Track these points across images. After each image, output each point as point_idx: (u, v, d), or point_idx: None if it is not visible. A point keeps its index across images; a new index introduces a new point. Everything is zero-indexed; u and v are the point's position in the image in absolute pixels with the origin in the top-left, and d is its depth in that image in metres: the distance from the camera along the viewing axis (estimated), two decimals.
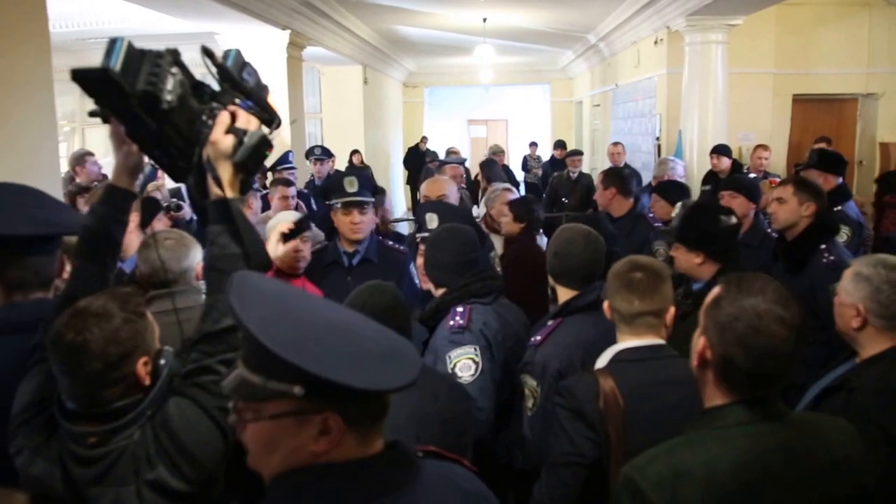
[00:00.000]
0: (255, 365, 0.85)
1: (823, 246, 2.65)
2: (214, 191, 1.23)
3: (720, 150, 5.49)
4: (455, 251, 2.17)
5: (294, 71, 6.60)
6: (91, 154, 5.52)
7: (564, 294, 2.13)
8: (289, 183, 4.49)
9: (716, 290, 1.21)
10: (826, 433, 1.21)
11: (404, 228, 5.08)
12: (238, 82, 1.23)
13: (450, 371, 1.95)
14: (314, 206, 5.08)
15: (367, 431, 0.89)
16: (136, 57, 1.10)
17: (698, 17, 5.85)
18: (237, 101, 1.23)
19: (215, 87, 1.24)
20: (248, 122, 1.22)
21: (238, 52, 1.25)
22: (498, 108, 16.27)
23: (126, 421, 1.23)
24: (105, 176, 5.54)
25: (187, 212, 3.94)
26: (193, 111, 1.17)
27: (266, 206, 4.44)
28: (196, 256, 2.02)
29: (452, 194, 3.36)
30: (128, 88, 1.09)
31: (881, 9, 6.97)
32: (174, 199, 3.96)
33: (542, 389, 1.91)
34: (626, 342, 1.70)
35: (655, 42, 7.18)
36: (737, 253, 2.45)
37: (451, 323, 2.01)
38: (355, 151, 9.21)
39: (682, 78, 6.35)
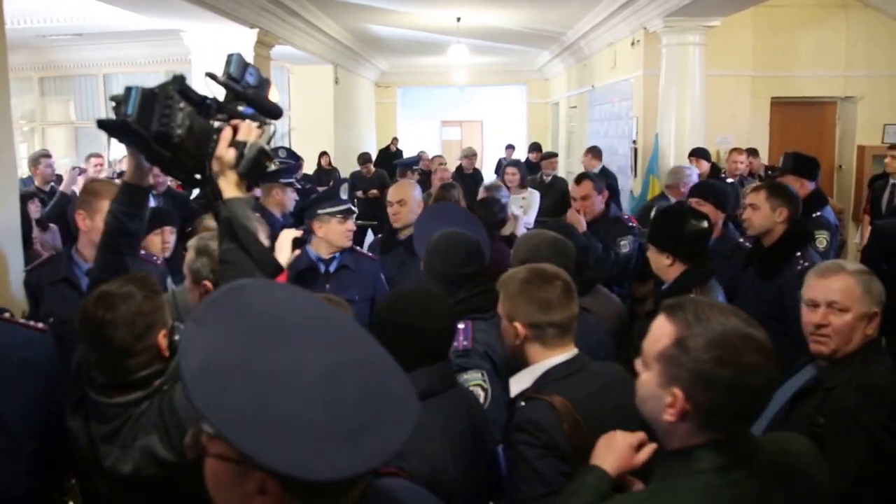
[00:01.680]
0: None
1: (799, 253, 2.71)
2: (224, 194, 1.40)
3: (699, 154, 5.58)
4: (454, 261, 2.12)
5: (261, 70, 6.54)
6: (47, 156, 5.44)
7: None
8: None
9: (666, 328, 1.09)
10: (796, 462, 1.17)
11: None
12: (240, 92, 1.40)
13: None
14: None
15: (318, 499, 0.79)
16: (149, 101, 1.30)
17: (675, 18, 5.95)
18: (240, 108, 1.41)
19: (219, 96, 1.42)
20: (249, 133, 1.38)
21: (239, 56, 1.42)
22: (473, 109, 16.34)
23: (152, 390, 1.44)
24: (60, 178, 5.47)
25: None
26: (202, 131, 1.36)
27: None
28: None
29: (416, 197, 3.38)
30: (144, 132, 1.30)
31: (858, 11, 7.16)
32: None
33: (496, 387, 1.92)
34: (551, 359, 1.61)
35: (632, 43, 7.28)
36: (708, 258, 2.50)
37: (455, 344, 1.88)
38: (323, 153, 9.17)
39: (659, 80, 6.44)
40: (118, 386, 1.44)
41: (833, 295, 1.72)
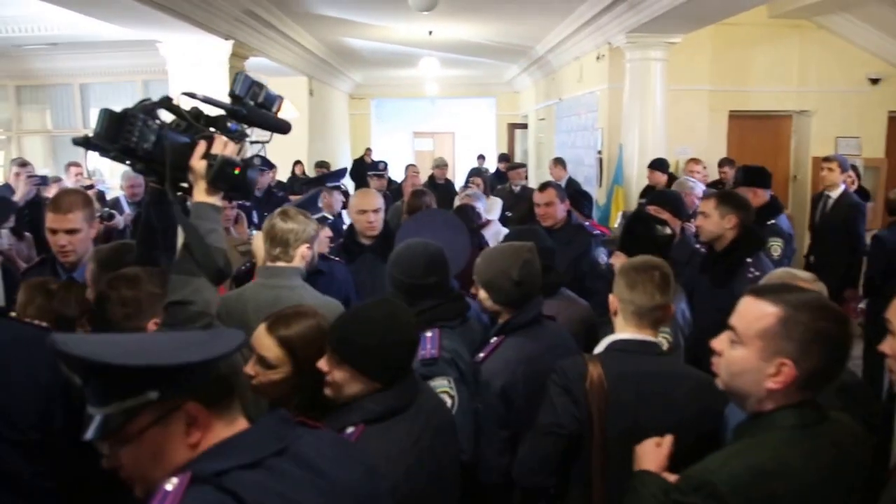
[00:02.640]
0: (105, 398, 0.96)
1: (749, 260, 2.75)
2: (194, 198, 1.52)
3: (655, 166, 5.70)
4: (415, 272, 2.06)
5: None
6: (25, 165, 5.34)
7: (505, 314, 2.13)
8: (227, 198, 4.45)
9: (769, 309, 1.24)
10: (850, 429, 1.32)
11: None
12: (231, 109, 1.52)
13: None
14: (255, 219, 5.01)
15: (228, 410, 1.03)
16: (116, 120, 1.42)
17: (638, 34, 6.08)
18: (229, 123, 1.54)
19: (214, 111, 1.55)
20: (223, 147, 1.49)
21: (245, 76, 1.54)
22: (445, 121, 16.40)
23: None
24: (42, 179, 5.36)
25: (120, 221, 4.07)
26: (175, 145, 1.47)
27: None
28: None
29: (381, 205, 3.40)
30: (108, 146, 1.44)
31: (811, 31, 7.37)
32: (107, 209, 4.16)
33: (463, 394, 1.91)
34: (623, 334, 1.83)
35: (597, 58, 7.41)
36: (672, 263, 2.55)
37: (423, 352, 1.88)
38: (297, 162, 9.12)
39: (622, 93, 6.57)
40: None
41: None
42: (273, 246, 2.30)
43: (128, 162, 1.52)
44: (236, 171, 1.48)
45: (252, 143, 1.60)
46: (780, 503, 1.16)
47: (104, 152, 1.47)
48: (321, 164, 8.02)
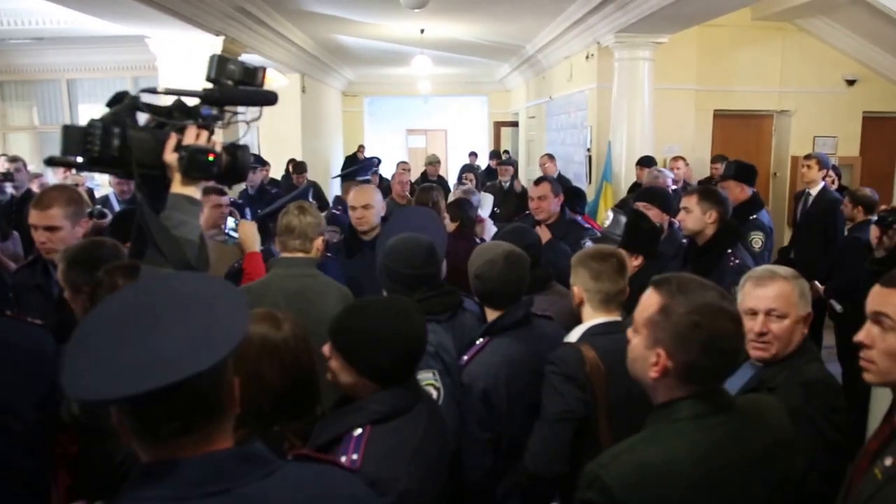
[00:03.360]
0: None
1: (730, 251, 2.84)
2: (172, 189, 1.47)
3: (643, 163, 5.73)
4: (415, 262, 2.08)
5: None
6: (15, 160, 5.29)
7: (491, 313, 2.10)
8: (221, 192, 4.39)
9: (655, 298, 1.23)
10: (765, 416, 1.30)
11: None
12: (204, 95, 1.46)
13: None
14: (248, 217, 4.97)
15: (159, 437, 0.89)
16: (75, 136, 1.38)
17: (626, 34, 6.10)
18: (203, 110, 1.48)
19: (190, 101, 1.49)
20: (198, 137, 1.45)
21: (217, 58, 1.46)
22: (437, 118, 16.37)
23: None
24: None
25: (108, 220, 4.02)
26: (146, 141, 1.43)
27: None
28: None
29: (379, 201, 3.38)
30: (72, 160, 1.41)
31: (793, 33, 7.44)
32: (98, 207, 4.06)
33: (448, 386, 1.89)
34: (596, 319, 1.96)
35: (587, 57, 7.42)
36: (659, 255, 2.61)
37: None
38: (291, 160, 9.00)
39: (611, 92, 6.58)
40: None
41: (772, 303, 1.72)
42: (293, 238, 2.39)
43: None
44: (210, 158, 1.44)
45: (242, 122, 1.52)
46: (668, 497, 1.14)
47: (78, 167, 1.45)
48: (297, 165, 7.77)
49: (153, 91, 1.50)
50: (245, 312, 0.96)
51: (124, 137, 1.41)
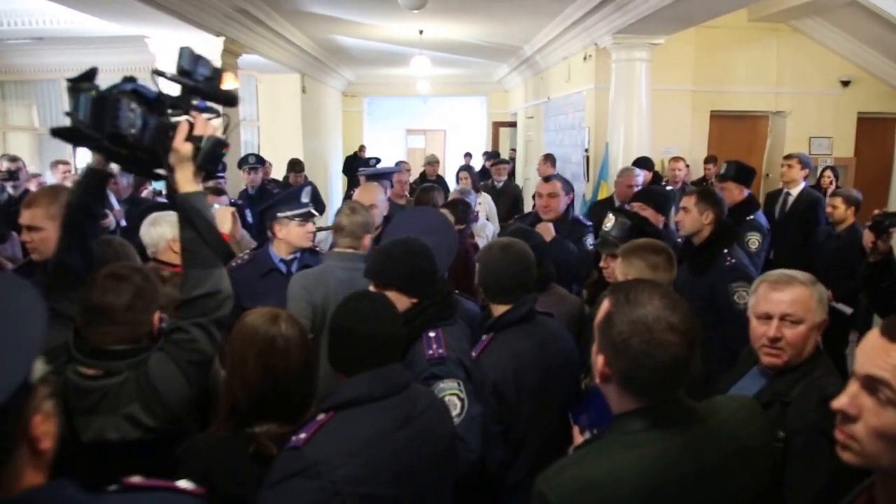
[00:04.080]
0: None
1: (726, 250, 2.83)
2: (180, 188, 1.46)
3: (640, 164, 5.69)
4: (422, 260, 2.01)
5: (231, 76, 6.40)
6: (15, 160, 5.25)
7: (497, 309, 2.11)
8: (220, 192, 4.37)
9: (605, 305, 1.19)
10: (728, 420, 1.22)
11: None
12: (193, 86, 1.41)
13: None
14: (248, 216, 4.94)
15: None
16: (100, 105, 1.32)
17: (624, 35, 6.06)
18: (195, 101, 1.43)
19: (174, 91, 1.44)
20: (205, 127, 1.42)
21: (189, 50, 1.41)
22: (436, 118, 16.33)
23: (137, 360, 1.52)
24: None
25: (112, 220, 3.96)
26: (157, 128, 1.38)
27: None
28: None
29: (382, 201, 3.35)
30: (97, 135, 1.34)
31: (788, 34, 7.42)
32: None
33: (471, 395, 1.85)
34: None
35: (584, 58, 7.38)
36: None
37: (430, 352, 1.85)
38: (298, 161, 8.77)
39: (609, 93, 6.54)
40: (102, 353, 1.52)
41: (788, 307, 1.63)
42: (342, 236, 2.57)
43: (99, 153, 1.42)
44: (223, 151, 1.42)
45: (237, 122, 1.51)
46: None
47: (91, 143, 1.36)
48: (293, 164, 7.65)
49: (161, 74, 1.43)
50: (38, 332, 0.76)
51: (145, 117, 1.35)
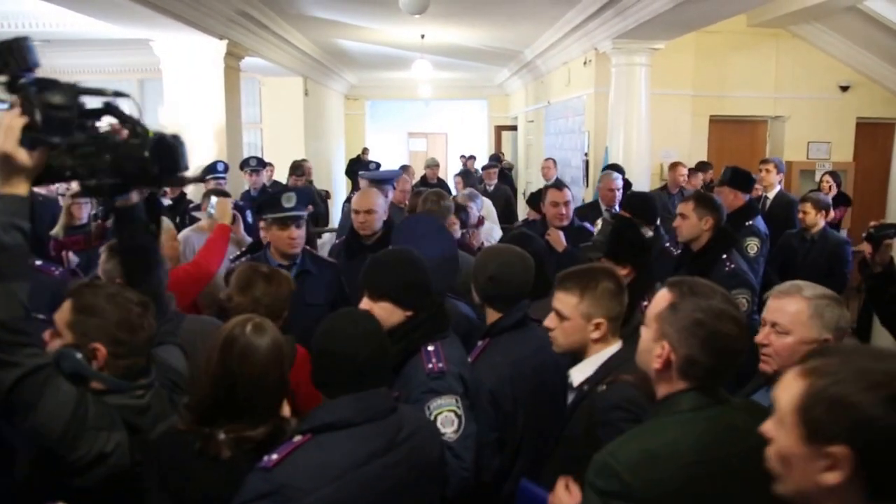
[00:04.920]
0: None
1: (725, 256, 2.81)
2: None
3: (612, 170, 5.71)
4: (417, 272, 1.93)
5: (231, 81, 6.39)
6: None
7: (492, 314, 2.08)
8: (225, 194, 4.35)
9: (666, 296, 1.30)
10: (758, 416, 1.22)
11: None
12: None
13: None
14: (249, 218, 4.91)
15: None
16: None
17: (624, 40, 6.03)
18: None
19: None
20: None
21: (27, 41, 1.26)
22: (438, 122, 16.32)
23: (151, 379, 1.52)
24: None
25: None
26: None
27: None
28: None
29: (381, 206, 3.32)
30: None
31: (788, 39, 7.38)
32: (101, 208, 3.96)
33: (469, 412, 1.79)
34: (611, 348, 1.77)
35: (584, 63, 7.36)
36: (649, 264, 2.54)
37: (430, 366, 1.78)
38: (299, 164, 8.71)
39: (608, 97, 6.52)
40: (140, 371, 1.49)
41: (778, 316, 1.64)
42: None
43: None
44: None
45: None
46: (671, 482, 1.19)
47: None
48: (293, 167, 7.57)
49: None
50: None
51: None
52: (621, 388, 1.62)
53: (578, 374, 1.77)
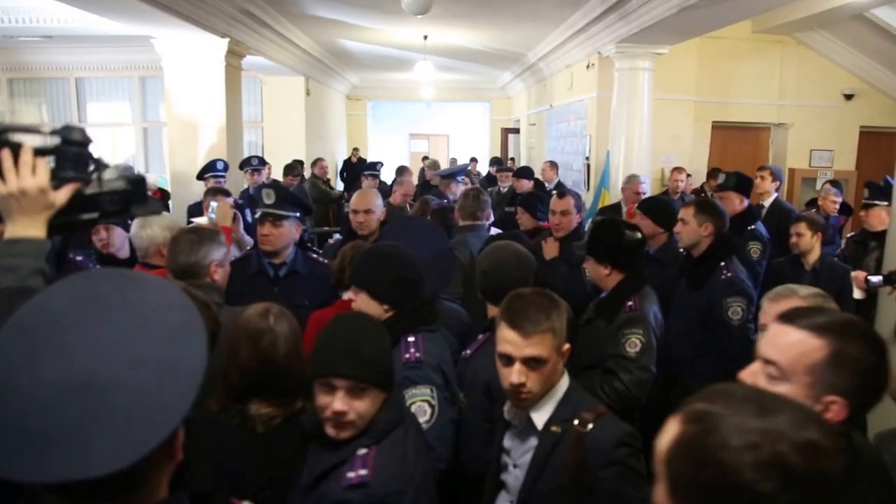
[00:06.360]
0: None
1: (723, 263, 2.78)
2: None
3: (521, 173, 5.96)
4: (400, 268, 1.97)
5: (232, 79, 6.37)
6: None
7: (493, 309, 2.09)
8: (224, 192, 4.34)
9: (815, 344, 1.09)
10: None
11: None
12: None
13: None
14: (248, 217, 4.89)
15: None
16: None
17: (627, 44, 6.01)
18: None
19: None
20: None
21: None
22: (440, 123, 16.30)
23: None
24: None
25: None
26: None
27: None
28: (210, 254, 2.20)
29: (378, 206, 3.30)
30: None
31: (792, 46, 7.36)
32: None
33: (444, 404, 1.83)
34: (563, 382, 1.63)
35: (587, 66, 7.33)
36: (643, 265, 2.50)
37: (407, 356, 1.81)
38: (318, 160, 8.62)
39: (611, 101, 6.49)
40: None
41: (769, 319, 1.57)
42: (467, 217, 3.48)
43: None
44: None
45: None
46: None
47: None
48: (287, 167, 7.49)
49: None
50: (200, 358, 0.77)
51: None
52: (613, 424, 1.50)
53: (538, 416, 1.58)
